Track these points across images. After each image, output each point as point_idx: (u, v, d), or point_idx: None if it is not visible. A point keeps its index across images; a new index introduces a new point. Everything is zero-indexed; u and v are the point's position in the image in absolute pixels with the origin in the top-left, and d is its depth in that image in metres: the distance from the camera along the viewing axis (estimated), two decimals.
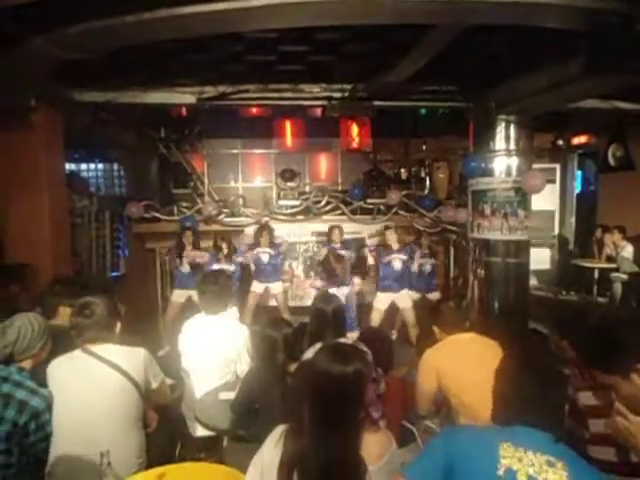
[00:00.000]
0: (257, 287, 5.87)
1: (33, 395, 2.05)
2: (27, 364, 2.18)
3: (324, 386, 1.52)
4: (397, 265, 5.75)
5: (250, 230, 6.17)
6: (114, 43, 3.04)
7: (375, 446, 1.72)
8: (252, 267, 5.80)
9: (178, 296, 5.78)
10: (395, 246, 5.84)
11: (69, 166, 6.47)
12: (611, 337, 1.76)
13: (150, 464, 2.19)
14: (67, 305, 2.75)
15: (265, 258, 5.78)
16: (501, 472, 1.23)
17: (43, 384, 2.14)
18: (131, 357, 2.24)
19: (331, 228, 6.03)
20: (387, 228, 6.05)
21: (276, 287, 5.91)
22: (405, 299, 5.80)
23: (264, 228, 5.95)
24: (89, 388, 2.12)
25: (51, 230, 4.37)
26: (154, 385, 2.32)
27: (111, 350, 2.22)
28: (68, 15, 2.61)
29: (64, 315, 2.74)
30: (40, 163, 4.28)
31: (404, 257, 5.81)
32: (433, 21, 3.01)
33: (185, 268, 5.72)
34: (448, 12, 2.78)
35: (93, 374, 2.15)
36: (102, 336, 2.25)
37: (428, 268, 6.20)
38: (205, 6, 2.47)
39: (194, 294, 5.58)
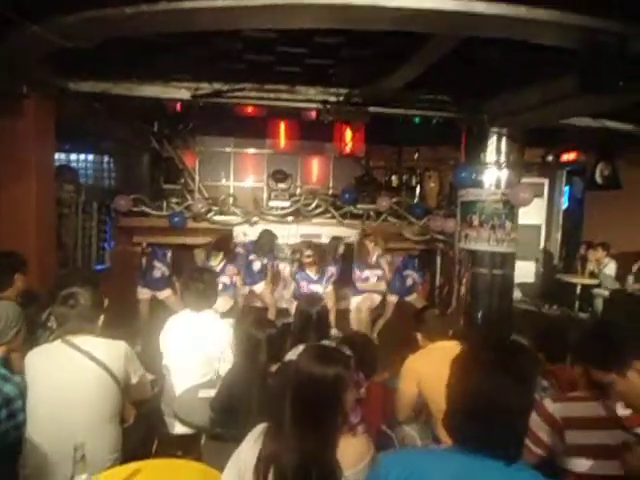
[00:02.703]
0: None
1: (5, 382, 2.02)
2: None
3: (305, 387, 1.53)
4: (373, 280, 5.74)
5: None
6: (111, 34, 3.02)
7: (353, 450, 1.72)
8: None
9: (144, 294, 5.74)
10: (372, 259, 5.72)
11: (59, 156, 6.42)
12: (608, 336, 1.90)
13: (125, 459, 2.16)
14: None
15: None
16: None
17: (19, 372, 2.11)
18: (112, 350, 2.21)
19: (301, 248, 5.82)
20: (365, 236, 5.93)
21: (258, 288, 5.85)
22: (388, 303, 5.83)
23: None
24: (67, 379, 2.09)
25: (37, 219, 4.32)
26: (134, 380, 2.30)
27: (92, 342, 2.19)
28: (66, 3, 2.58)
29: None
30: (29, 151, 4.22)
31: (379, 273, 5.76)
32: (431, 30, 3.05)
33: (157, 273, 5.67)
34: (446, 23, 2.81)
35: (72, 365, 2.12)
36: (84, 327, 2.22)
37: (409, 281, 6.20)
38: (206, 2, 2.47)
39: (159, 294, 5.61)
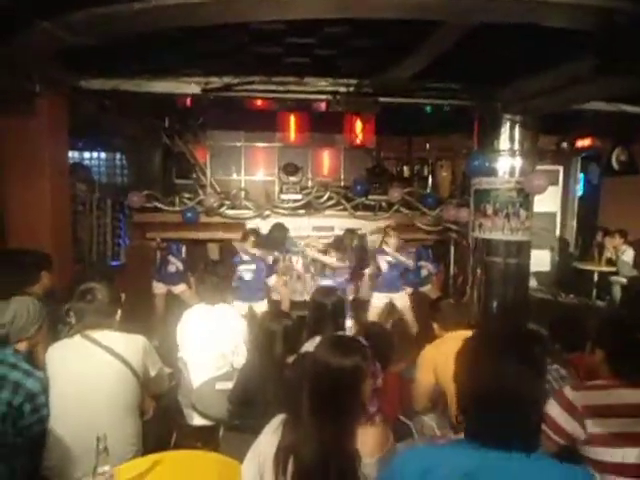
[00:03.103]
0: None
1: (28, 377, 2.05)
2: (22, 346, 2.19)
3: (322, 378, 1.53)
4: (394, 272, 5.73)
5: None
6: (120, 30, 3.02)
7: (372, 440, 1.72)
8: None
9: (159, 288, 5.79)
10: (392, 251, 5.67)
11: (72, 154, 6.48)
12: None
13: (146, 451, 2.19)
14: None
15: (248, 276, 5.32)
16: None
17: (41, 367, 2.15)
18: (130, 344, 2.24)
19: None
20: (387, 231, 5.83)
21: (270, 280, 5.79)
22: (403, 298, 5.79)
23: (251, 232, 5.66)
24: (88, 374, 2.13)
25: (52, 217, 4.36)
26: (152, 373, 2.33)
27: (111, 337, 2.22)
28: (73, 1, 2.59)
29: None
30: (43, 150, 4.26)
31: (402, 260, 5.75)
32: (440, 18, 3.00)
33: (172, 268, 5.71)
34: (455, 9, 2.76)
35: (92, 360, 2.15)
36: (102, 322, 2.25)
37: (424, 272, 6.19)
38: None
39: (174, 288, 5.66)
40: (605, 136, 7.02)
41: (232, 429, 2.35)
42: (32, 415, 2.01)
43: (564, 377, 2.71)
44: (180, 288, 5.71)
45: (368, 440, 1.59)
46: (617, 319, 2.02)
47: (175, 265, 5.74)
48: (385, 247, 5.76)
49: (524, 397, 1.14)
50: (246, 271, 5.30)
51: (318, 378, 1.52)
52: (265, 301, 5.52)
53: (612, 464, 1.72)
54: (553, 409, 1.82)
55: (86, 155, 7.54)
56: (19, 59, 3.44)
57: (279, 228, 5.93)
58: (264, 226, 6.25)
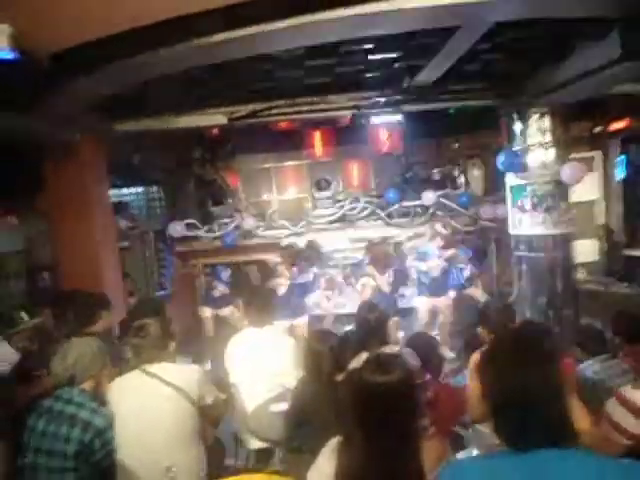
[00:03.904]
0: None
1: (95, 415, 2.16)
2: (87, 386, 2.29)
3: (368, 398, 1.54)
4: (436, 271, 5.70)
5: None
6: (149, 75, 3.19)
7: (431, 454, 1.72)
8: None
9: (206, 312, 5.96)
10: (436, 250, 5.75)
11: (111, 191, 6.79)
12: None
13: (211, 477, 2.26)
14: None
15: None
16: None
17: (104, 403, 2.26)
18: (186, 375, 2.33)
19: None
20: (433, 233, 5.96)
21: (314, 297, 5.88)
22: (447, 302, 5.74)
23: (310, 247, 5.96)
24: (148, 406, 2.23)
25: (102, 254, 4.58)
26: (209, 400, 2.40)
27: (167, 369, 2.32)
28: (106, 55, 2.76)
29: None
30: (88, 192, 4.50)
31: (444, 263, 5.75)
32: (457, 23, 3.01)
33: (217, 292, 5.89)
34: (470, 11, 2.76)
35: (151, 393, 2.25)
36: (158, 356, 2.35)
37: (467, 273, 6.13)
38: (234, 32, 2.56)
39: (221, 311, 5.81)
40: None
41: (291, 451, 2.39)
42: (101, 450, 2.11)
43: (627, 371, 2.63)
44: (226, 311, 5.86)
45: (428, 455, 1.59)
46: None
47: (220, 289, 5.92)
48: (429, 248, 5.78)
49: (542, 394, 1.15)
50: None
51: (363, 398, 1.53)
52: (319, 292, 5.66)
53: None
54: (616, 410, 1.77)
55: (124, 191, 7.85)
56: (60, 112, 3.66)
57: (311, 245, 6.03)
58: (301, 243, 6.35)
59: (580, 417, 2.08)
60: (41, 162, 4.37)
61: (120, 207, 6.38)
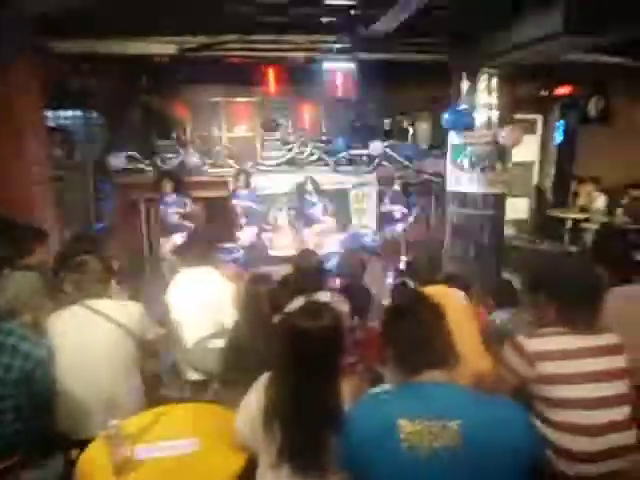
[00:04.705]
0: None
1: (36, 346, 2.20)
2: (27, 318, 2.31)
3: (296, 341, 1.67)
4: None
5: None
6: None
7: (353, 388, 1.91)
8: None
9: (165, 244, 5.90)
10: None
11: (52, 114, 6.35)
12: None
13: (150, 406, 2.40)
14: None
15: None
16: (405, 450, 1.29)
17: (43, 336, 2.30)
18: (127, 311, 2.41)
19: None
20: None
21: None
22: None
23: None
24: (89, 340, 2.29)
25: (34, 182, 4.38)
26: (149, 336, 2.51)
27: (108, 304, 2.38)
28: None
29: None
30: (21, 114, 4.21)
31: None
32: None
33: (173, 218, 5.79)
34: None
35: (92, 327, 2.31)
36: (98, 291, 2.40)
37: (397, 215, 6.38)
38: None
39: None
40: (583, 84, 7.07)
41: (226, 384, 2.56)
42: (42, 380, 2.18)
43: (531, 323, 2.94)
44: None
45: (346, 389, 1.78)
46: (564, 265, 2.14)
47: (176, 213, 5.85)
48: None
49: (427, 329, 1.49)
50: None
51: (293, 342, 1.67)
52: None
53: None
54: (508, 355, 2.01)
55: (61, 114, 7.36)
56: None
57: None
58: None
59: (484, 359, 2.39)
60: None
61: (58, 133, 6.03)
